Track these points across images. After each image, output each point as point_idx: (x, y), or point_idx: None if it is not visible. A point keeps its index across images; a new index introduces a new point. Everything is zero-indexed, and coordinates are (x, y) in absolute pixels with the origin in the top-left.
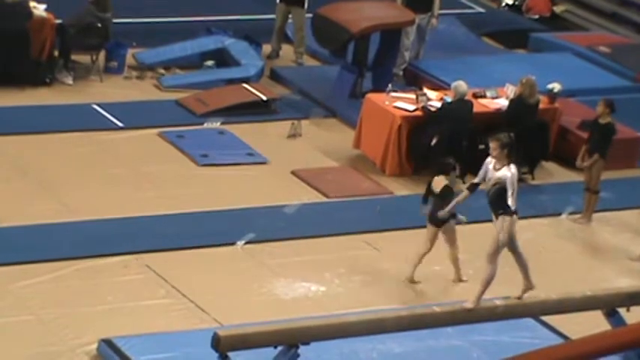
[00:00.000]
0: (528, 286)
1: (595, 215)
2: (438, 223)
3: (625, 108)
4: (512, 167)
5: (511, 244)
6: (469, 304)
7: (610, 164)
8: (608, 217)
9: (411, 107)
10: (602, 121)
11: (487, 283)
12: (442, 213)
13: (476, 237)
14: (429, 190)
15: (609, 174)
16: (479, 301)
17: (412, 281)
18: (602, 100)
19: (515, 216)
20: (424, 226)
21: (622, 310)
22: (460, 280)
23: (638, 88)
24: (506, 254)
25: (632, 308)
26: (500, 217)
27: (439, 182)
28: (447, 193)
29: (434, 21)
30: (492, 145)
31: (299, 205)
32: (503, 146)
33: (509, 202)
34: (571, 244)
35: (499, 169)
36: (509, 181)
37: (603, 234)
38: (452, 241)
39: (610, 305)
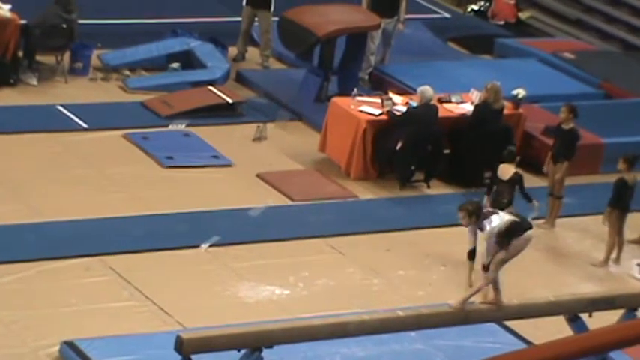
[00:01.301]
0: (496, 299)
1: (558, 221)
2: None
3: (589, 114)
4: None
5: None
6: (453, 302)
7: (573, 170)
8: (572, 223)
9: (377, 111)
10: (565, 126)
11: (479, 289)
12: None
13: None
14: (495, 178)
15: (573, 180)
16: (465, 302)
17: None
18: (565, 106)
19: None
20: (388, 231)
21: (584, 316)
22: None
23: (601, 94)
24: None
25: (594, 314)
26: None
27: (507, 170)
28: (517, 179)
29: (400, 26)
30: (460, 215)
31: (264, 208)
32: (470, 214)
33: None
34: (534, 249)
35: (483, 229)
36: (494, 232)
37: (566, 239)
38: None
39: (572, 311)
